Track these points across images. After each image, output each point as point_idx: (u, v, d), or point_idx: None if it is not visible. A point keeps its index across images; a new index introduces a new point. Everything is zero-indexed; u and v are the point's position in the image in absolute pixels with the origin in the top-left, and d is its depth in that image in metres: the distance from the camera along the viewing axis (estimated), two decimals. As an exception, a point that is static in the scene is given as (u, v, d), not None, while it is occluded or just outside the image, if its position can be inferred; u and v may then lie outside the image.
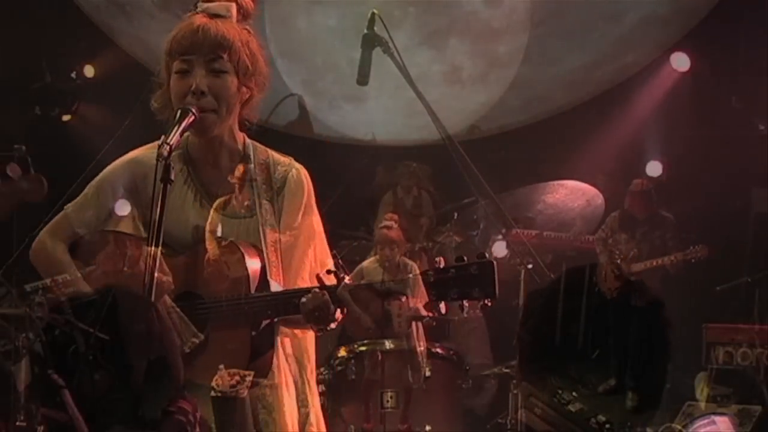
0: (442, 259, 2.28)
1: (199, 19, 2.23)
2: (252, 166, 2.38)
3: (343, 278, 2.21)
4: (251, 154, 2.39)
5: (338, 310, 2.21)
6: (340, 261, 2.30)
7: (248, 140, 2.42)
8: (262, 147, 2.44)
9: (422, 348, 5.13)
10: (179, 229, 2.31)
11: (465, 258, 2.23)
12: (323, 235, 2.50)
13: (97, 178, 2.39)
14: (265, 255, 2.28)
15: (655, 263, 5.91)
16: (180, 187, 2.34)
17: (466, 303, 2.22)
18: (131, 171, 2.35)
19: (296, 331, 2.38)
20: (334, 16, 7.16)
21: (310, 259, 2.41)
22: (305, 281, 2.36)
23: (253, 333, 2.23)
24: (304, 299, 2.18)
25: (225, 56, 2.21)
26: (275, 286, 2.27)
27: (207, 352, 2.20)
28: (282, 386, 2.32)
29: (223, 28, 2.22)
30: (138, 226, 2.31)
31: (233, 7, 2.28)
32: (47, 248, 2.34)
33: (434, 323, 4.74)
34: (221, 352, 2.18)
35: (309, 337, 2.42)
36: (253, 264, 2.25)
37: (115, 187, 2.33)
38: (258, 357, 2.23)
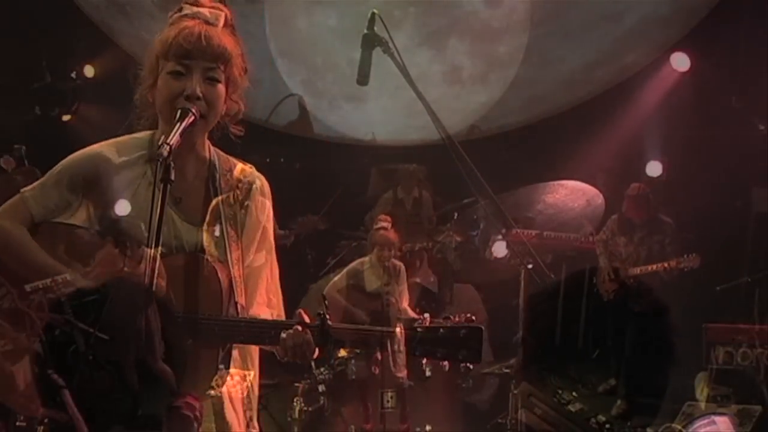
0: (427, 316, 2.26)
1: (198, 26, 2.24)
2: (217, 175, 2.37)
3: (327, 319, 2.18)
4: (216, 162, 2.39)
5: (317, 349, 2.18)
6: (326, 302, 2.25)
7: (213, 148, 2.42)
8: (225, 155, 2.43)
9: (404, 347, 5.11)
10: (141, 229, 2.29)
11: (451, 317, 2.22)
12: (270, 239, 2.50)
13: (58, 166, 2.36)
14: (231, 272, 2.27)
15: (649, 269, 5.89)
16: (146, 189, 2.32)
17: (446, 363, 2.21)
18: (94, 164, 2.33)
19: None
20: (334, 16, 7.16)
21: (267, 276, 2.41)
22: (263, 297, 2.35)
23: (221, 352, 2.22)
24: (284, 334, 2.15)
25: (222, 67, 2.23)
26: (241, 311, 2.25)
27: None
28: (227, 393, 2.31)
29: (225, 39, 2.24)
30: (92, 219, 2.29)
31: (222, 16, 2.29)
32: (6, 229, 2.30)
33: (419, 330, 4.70)
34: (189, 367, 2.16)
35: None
36: (224, 282, 2.23)
37: (75, 179, 2.31)
38: (220, 371, 2.21)
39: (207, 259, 2.24)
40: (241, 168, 2.43)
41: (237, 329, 2.19)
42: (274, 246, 2.46)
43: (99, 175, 2.31)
